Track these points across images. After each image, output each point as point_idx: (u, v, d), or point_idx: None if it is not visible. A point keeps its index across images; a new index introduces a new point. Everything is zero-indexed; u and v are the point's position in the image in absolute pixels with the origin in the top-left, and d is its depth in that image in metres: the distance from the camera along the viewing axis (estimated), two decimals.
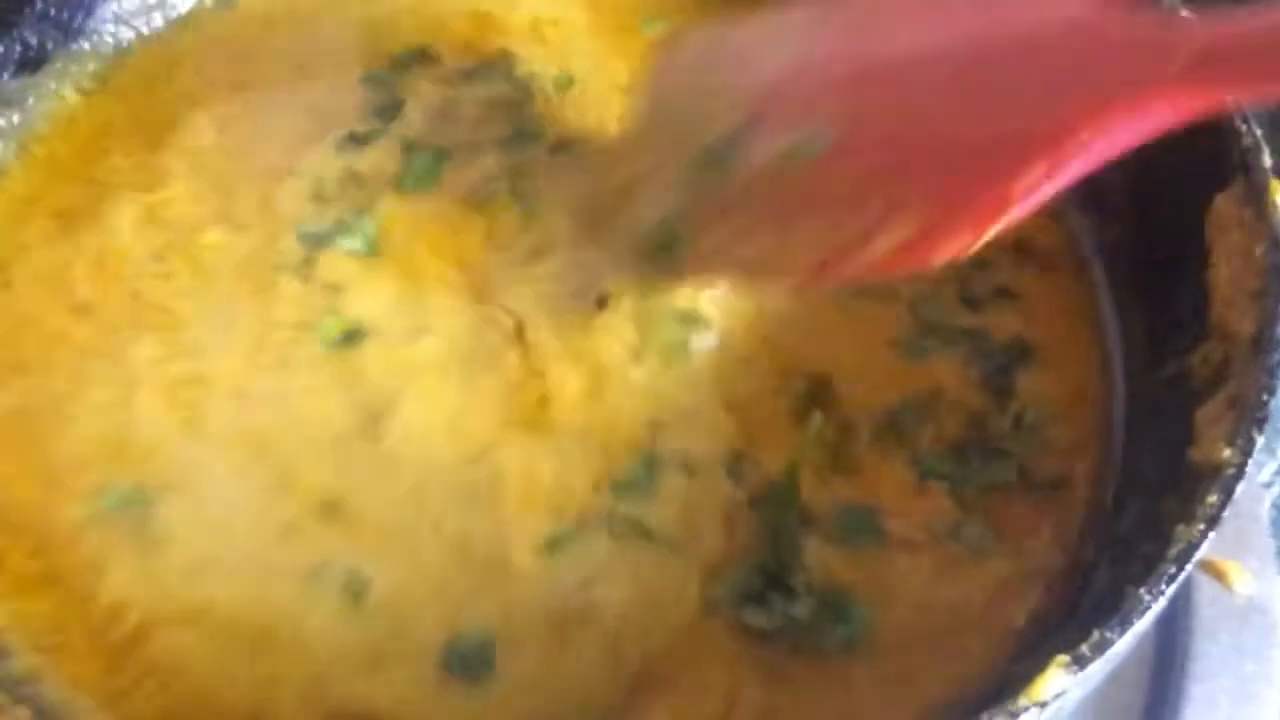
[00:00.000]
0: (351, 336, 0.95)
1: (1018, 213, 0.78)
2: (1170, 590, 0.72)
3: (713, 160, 0.92)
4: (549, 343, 0.94)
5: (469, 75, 1.11)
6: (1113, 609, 0.73)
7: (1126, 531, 0.86)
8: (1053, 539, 0.90)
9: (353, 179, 1.03)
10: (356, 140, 1.06)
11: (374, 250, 0.99)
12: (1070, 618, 0.84)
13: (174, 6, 1.17)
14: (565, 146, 1.06)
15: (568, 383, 0.93)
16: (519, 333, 0.95)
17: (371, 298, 0.97)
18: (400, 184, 1.02)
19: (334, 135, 1.06)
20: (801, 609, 0.85)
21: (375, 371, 0.93)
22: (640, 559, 0.87)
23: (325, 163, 1.04)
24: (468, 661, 0.83)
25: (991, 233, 0.79)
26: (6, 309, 0.99)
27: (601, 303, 0.95)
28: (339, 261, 0.98)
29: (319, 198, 1.02)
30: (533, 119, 1.08)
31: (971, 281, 1.00)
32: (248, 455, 0.90)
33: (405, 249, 0.99)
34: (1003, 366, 0.97)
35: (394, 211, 1.01)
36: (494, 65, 1.12)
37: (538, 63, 1.12)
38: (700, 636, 0.85)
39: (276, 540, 0.87)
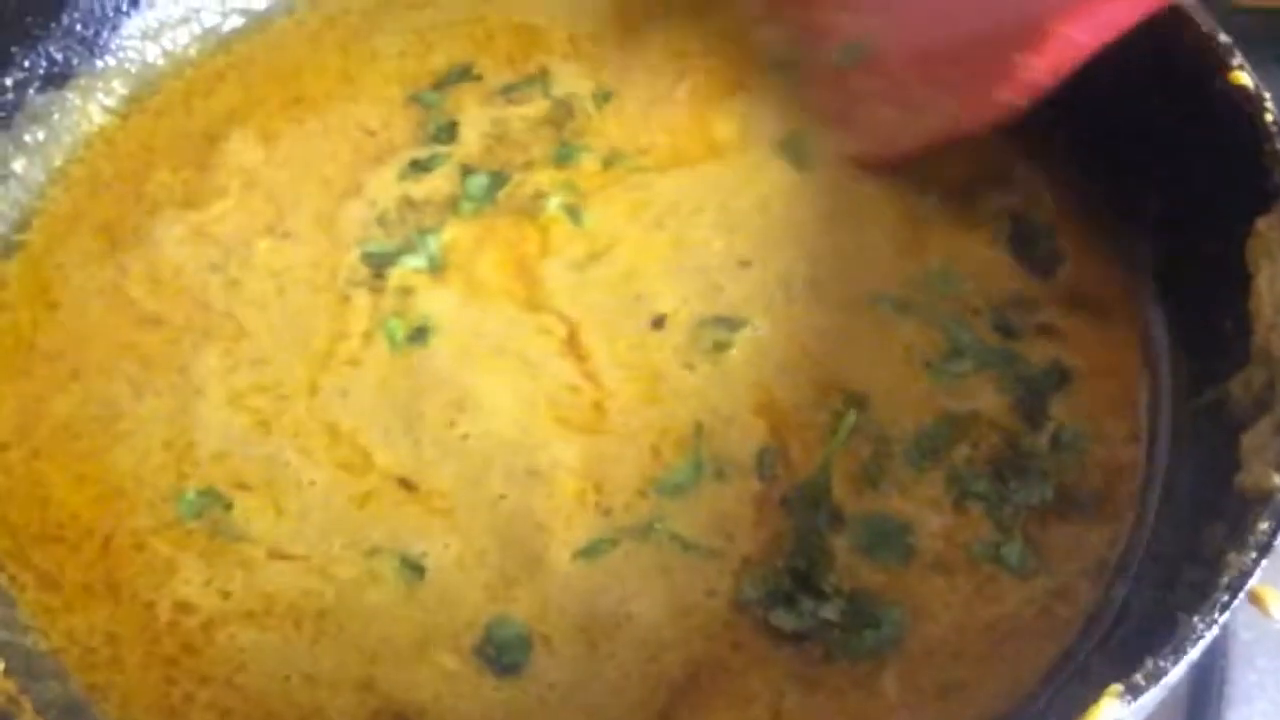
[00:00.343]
0: (418, 335, 0.98)
1: (1032, 92, 0.96)
2: (1223, 618, 0.71)
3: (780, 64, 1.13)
4: (602, 350, 0.97)
5: (512, 93, 1.12)
6: (1164, 636, 0.72)
7: (1169, 555, 0.86)
8: (1094, 561, 0.89)
9: (410, 205, 1.05)
10: (419, 167, 1.07)
11: (437, 267, 1.02)
12: (1112, 641, 0.84)
13: (200, 23, 1.17)
14: (616, 160, 1.07)
15: (622, 390, 0.95)
16: (572, 338, 0.98)
17: (437, 303, 1.00)
18: (458, 208, 1.05)
19: (397, 161, 1.08)
20: (831, 611, 0.86)
21: (441, 365, 0.97)
22: (674, 566, 0.88)
23: (389, 189, 1.06)
24: (503, 650, 0.86)
25: (1010, 108, 0.97)
26: (60, 323, 1.01)
27: (658, 323, 0.98)
28: (405, 277, 1.01)
29: (383, 222, 1.04)
30: (578, 134, 1.09)
31: (1009, 314, 1.00)
32: (322, 443, 0.94)
33: (467, 263, 1.02)
34: (1038, 389, 0.96)
35: (455, 230, 1.04)
36: (534, 81, 1.13)
37: (574, 79, 1.12)
38: (735, 644, 0.86)
39: (354, 509, 0.91)
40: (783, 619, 0.86)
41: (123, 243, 1.05)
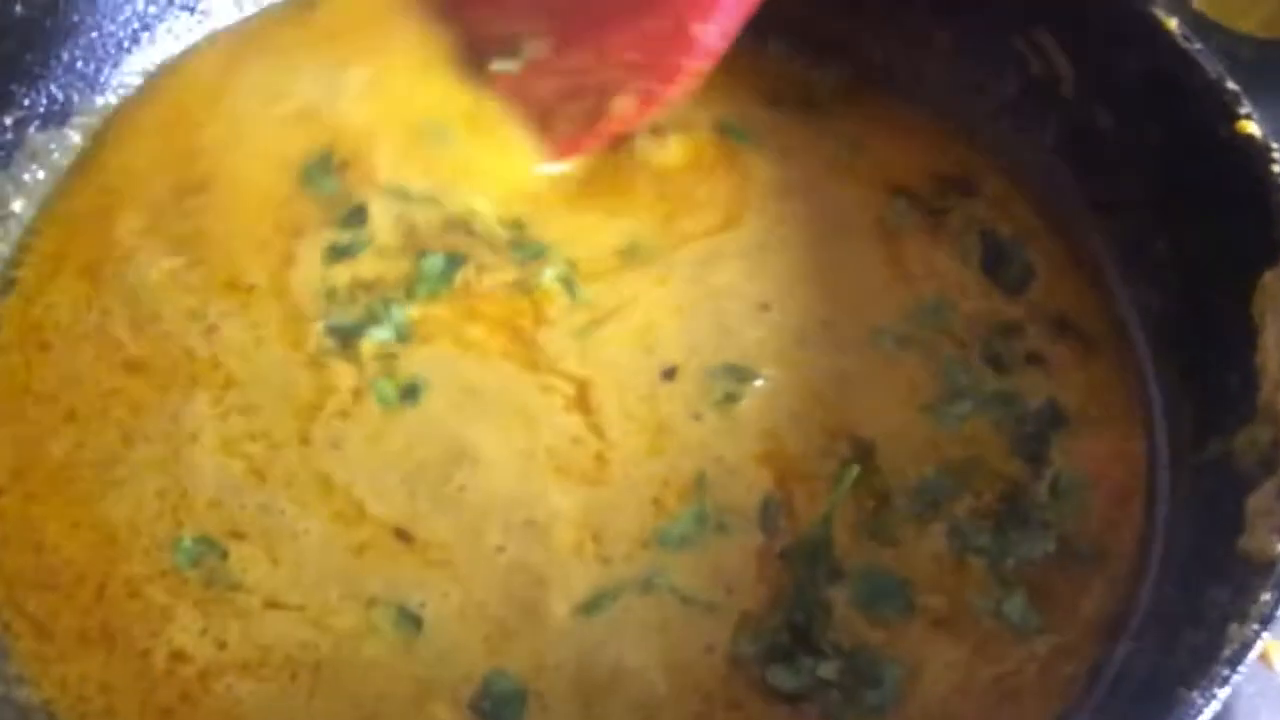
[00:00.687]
0: (410, 392, 0.97)
1: (714, 55, 1.03)
2: (1224, 693, 0.71)
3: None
4: (612, 403, 0.96)
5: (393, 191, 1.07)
6: (1164, 708, 0.71)
7: (1171, 614, 0.85)
8: (1096, 616, 0.88)
9: (361, 284, 1.02)
10: (339, 251, 1.03)
11: (405, 337, 0.99)
12: (1113, 704, 0.83)
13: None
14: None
15: (626, 441, 0.94)
16: (581, 395, 0.96)
17: (425, 362, 0.98)
18: (413, 290, 1.01)
19: (317, 239, 1.03)
20: (829, 670, 0.85)
21: (436, 419, 0.96)
22: (673, 620, 0.88)
23: (321, 274, 1.02)
24: (498, 706, 0.85)
25: (698, 74, 1.04)
26: (53, 364, 1.00)
27: (669, 374, 0.97)
28: (377, 347, 0.99)
29: (333, 299, 1.01)
30: (520, 244, 1.05)
31: (999, 344, 1.00)
32: (316, 494, 0.93)
33: (452, 328, 1.00)
34: (1036, 432, 0.95)
35: (423, 306, 1.01)
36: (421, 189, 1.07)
37: (464, 194, 1.06)
38: (731, 702, 0.85)
39: (351, 559, 0.90)
40: (780, 677, 0.85)
41: (104, 285, 1.03)
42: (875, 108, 1.13)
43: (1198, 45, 0.95)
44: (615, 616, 0.88)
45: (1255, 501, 0.82)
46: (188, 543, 0.91)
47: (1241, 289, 0.89)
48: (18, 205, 1.06)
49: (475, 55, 1.11)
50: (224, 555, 0.91)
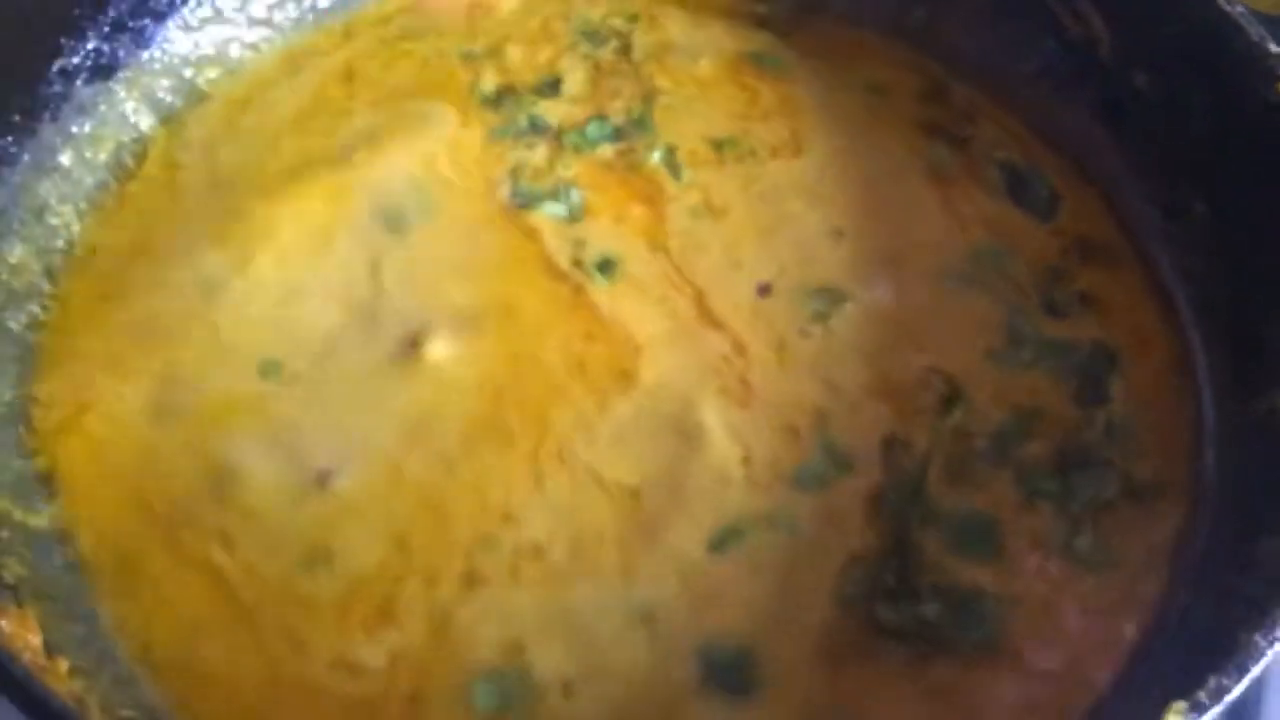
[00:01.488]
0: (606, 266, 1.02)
1: None
2: None
3: None
4: (731, 316, 0.99)
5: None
6: (1225, 653, 0.74)
7: (1225, 561, 0.87)
8: (1161, 552, 0.90)
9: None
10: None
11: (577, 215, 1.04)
12: (1174, 652, 0.85)
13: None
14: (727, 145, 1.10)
15: (762, 356, 0.97)
16: (700, 304, 1.00)
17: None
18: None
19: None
20: (930, 610, 0.87)
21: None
22: (788, 559, 0.89)
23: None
24: (727, 673, 0.85)
25: None
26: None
27: (764, 290, 1.00)
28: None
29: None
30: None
31: (1053, 289, 1.02)
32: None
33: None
34: (1092, 378, 0.97)
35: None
36: None
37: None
38: (839, 642, 0.86)
39: (626, 590, 0.88)
40: (885, 617, 0.87)
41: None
42: (894, 55, 1.17)
43: (1239, 7, 0.97)
44: (743, 553, 0.89)
45: None
46: (482, 690, 0.84)
47: None
48: (65, 158, 1.06)
49: None
50: (525, 673, 0.85)
